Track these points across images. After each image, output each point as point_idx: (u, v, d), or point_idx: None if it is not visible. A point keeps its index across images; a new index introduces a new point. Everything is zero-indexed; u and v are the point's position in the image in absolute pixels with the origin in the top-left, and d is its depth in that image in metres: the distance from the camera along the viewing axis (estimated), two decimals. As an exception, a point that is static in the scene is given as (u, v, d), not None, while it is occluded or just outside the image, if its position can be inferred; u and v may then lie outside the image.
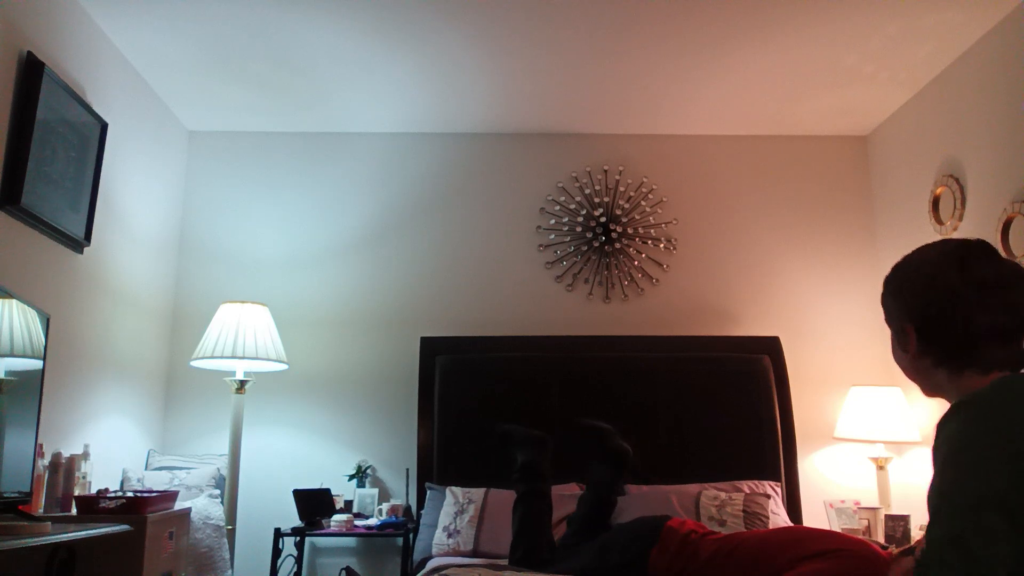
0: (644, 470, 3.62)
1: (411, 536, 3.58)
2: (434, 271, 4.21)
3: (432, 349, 3.96)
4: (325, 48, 3.51)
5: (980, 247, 1.30)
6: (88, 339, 3.26)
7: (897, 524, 3.37)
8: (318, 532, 3.47)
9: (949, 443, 1.15)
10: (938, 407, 3.69)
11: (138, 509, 2.62)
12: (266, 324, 3.64)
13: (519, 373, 3.84)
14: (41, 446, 2.66)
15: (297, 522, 3.51)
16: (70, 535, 2.18)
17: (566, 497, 3.46)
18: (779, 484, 3.66)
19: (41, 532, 2.09)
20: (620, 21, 3.31)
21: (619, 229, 4.23)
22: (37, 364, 2.52)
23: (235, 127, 4.28)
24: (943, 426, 1.18)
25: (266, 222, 4.22)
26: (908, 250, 1.40)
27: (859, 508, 3.72)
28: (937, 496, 1.13)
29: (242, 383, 3.60)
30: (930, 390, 1.36)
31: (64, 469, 2.78)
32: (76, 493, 2.79)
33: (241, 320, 3.56)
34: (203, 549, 3.23)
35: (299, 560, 3.57)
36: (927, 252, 1.35)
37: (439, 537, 3.35)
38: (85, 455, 2.93)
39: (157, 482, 3.42)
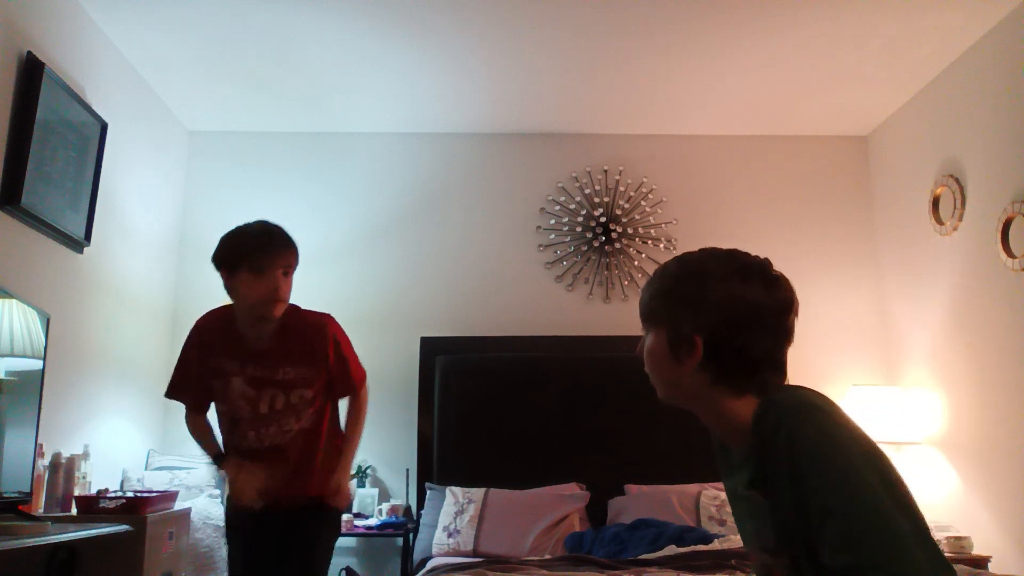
0: (644, 470, 3.62)
1: (411, 536, 3.58)
2: (434, 271, 4.21)
3: (432, 349, 3.96)
4: (325, 48, 3.50)
5: (771, 266, 1.26)
6: (88, 339, 3.26)
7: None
8: (318, 532, 3.47)
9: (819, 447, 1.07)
10: (946, 408, 3.69)
11: (138, 509, 2.62)
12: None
13: (519, 373, 3.84)
14: (41, 446, 2.66)
15: (297, 522, 3.51)
16: (70, 535, 2.18)
17: (566, 497, 3.46)
18: (779, 484, 3.65)
19: (41, 532, 2.09)
20: (620, 22, 3.31)
21: (619, 229, 4.23)
22: (37, 364, 2.52)
23: (235, 127, 4.28)
24: (784, 429, 1.09)
25: (266, 222, 4.21)
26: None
27: (859, 508, 3.72)
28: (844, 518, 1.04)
29: (242, 383, 3.60)
30: (685, 400, 1.26)
31: (64, 469, 2.78)
32: (76, 493, 2.78)
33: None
34: (203, 549, 3.23)
35: (299, 560, 3.57)
36: (722, 262, 1.25)
37: (439, 537, 3.35)
38: (85, 455, 2.93)
39: (157, 482, 3.42)
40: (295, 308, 2.34)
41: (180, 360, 2.44)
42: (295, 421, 2.30)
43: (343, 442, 2.38)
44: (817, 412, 1.12)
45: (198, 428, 2.40)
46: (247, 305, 2.24)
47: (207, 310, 2.45)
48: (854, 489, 1.05)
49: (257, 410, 2.27)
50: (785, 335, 1.25)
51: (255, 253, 2.21)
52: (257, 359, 2.27)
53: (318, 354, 2.31)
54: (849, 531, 1.04)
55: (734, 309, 1.21)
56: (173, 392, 2.43)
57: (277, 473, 2.25)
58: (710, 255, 1.26)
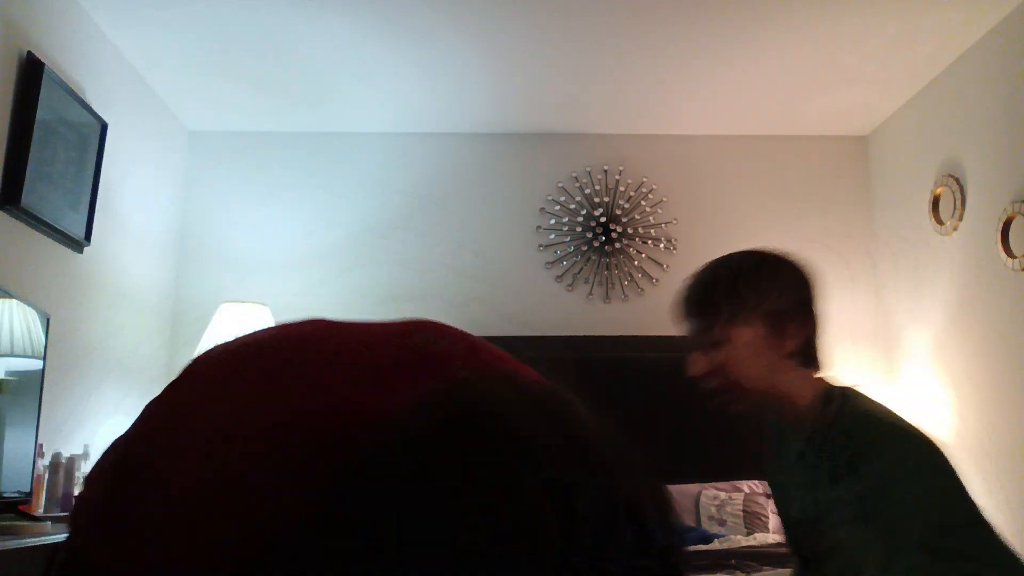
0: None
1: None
2: (434, 271, 4.21)
3: (432, 349, 3.95)
4: (325, 48, 3.50)
5: None
6: (88, 339, 3.26)
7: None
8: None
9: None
10: (946, 408, 3.69)
11: (138, 509, 2.62)
12: (266, 324, 3.64)
13: (519, 373, 3.84)
14: (41, 446, 2.66)
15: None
16: (70, 535, 2.18)
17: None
18: (779, 484, 3.66)
19: (41, 532, 2.09)
20: (620, 21, 3.31)
21: (619, 229, 4.23)
22: (37, 364, 2.52)
23: (235, 127, 4.28)
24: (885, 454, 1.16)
25: (266, 222, 4.22)
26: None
27: (859, 508, 3.72)
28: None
29: (242, 383, 3.60)
30: (773, 389, 1.28)
31: (64, 469, 2.78)
32: (76, 493, 2.78)
33: (241, 320, 3.57)
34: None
35: (299, 560, 3.57)
36: (775, 253, 1.34)
37: (439, 537, 3.35)
38: (85, 455, 2.93)
39: (157, 482, 3.42)
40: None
41: None
42: None
43: None
44: (866, 399, 1.25)
45: None
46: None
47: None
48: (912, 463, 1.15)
49: None
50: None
51: None
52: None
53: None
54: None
55: (806, 291, 1.30)
56: None
57: None
58: (757, 251, 1.35)
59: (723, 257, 1.32)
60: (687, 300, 1.31)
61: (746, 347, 1.25)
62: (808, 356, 1.28)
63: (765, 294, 1.26)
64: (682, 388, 4.25)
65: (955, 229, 3.55)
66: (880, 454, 1.14)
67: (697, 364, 1.31)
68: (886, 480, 1.12)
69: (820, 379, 1.29)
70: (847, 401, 1.23)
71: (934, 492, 1.12)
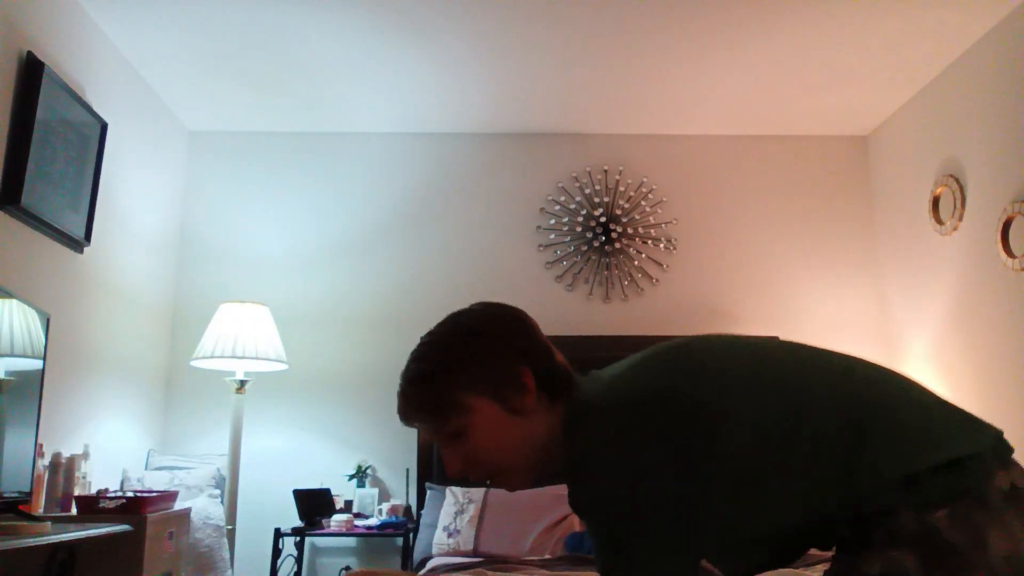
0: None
1: (411, 536, 3.58)
2: (434, 271, 4.21)
3: (432, 349, 3.96)
4: (325, 48, 3.51)
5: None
6: (88, 339, 3.26)
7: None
8: (318, 532, 3.47)
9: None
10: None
11: (138, 509, 2.62)
12: (266, 324, 3.64)
13: (519, 373, 3.84)
14: (41, 446, 2.66)
15: (297, 522, 3.51)
16: (70, 535, 2.18)
17: (566, 497, 3.46)
18: (779, 484, 3.66)
19: (41, 532, 2.09)
20: (620, 21, 3.31)
21: (619, 229, 4.23)
22: (37, 364, 2.52)
23: (235, 127, 4.28)
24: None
25: (266, 222, 4.22)
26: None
27: (859, 508, 3.72)
28: None
29: (242, 383, 3.60)
30: (544, 448, 1.18)
31: (64, 469, 2.78)
32: (76, 493, 2.78)
33: (241, 320, 3.56)
34: (203, 549, 3.23)
35: (299, 560, 3.57)
36: (467, 317, 1.23)
37: (439, 537, 3.35)
38: (85, 455, 2.93)
39: (157, 482, 3.42)
40: None
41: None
42: None
43: None
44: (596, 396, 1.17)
45: None
46: None
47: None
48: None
49: None
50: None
51: None
52: None
53: None
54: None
55: (514, 337, 1.20)
56: None
57: None
58: (449, 324, 1.23)
59: (424, 344, 1.21)
60: (408, 406, 1.20)
61: (488, 426, 1.16)
62: (552, 387, 1.18)
63: (478, 368, 1.16)
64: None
65: (955, 229, 3.55)
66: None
67: (452, 462, 1.19)
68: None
69: (565, 404, 1.18)
70: (587, 412, 1.14)
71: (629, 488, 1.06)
